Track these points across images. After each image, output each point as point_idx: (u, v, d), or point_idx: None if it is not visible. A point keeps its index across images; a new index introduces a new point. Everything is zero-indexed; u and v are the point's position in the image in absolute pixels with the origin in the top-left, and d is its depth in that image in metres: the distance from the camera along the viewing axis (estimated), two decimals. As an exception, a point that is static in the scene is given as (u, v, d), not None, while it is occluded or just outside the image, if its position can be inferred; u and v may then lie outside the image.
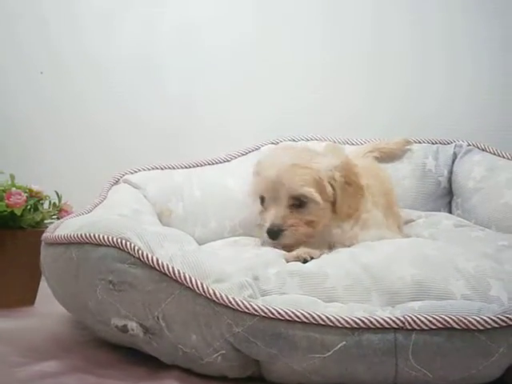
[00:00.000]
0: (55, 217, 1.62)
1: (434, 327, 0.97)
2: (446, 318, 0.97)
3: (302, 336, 0.98)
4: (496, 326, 0.97)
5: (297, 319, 0.99)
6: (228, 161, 1.77)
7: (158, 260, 1.07)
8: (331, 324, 0.98)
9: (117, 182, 1.58)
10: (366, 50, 2.04)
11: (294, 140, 1.83)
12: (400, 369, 0.98)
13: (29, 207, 1.58)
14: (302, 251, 1.27)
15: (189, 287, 1.04)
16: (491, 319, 0.97)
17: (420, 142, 1.84)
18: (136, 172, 1.63)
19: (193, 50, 2.07)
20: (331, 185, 1.35)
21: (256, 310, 1.00)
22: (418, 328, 0.97)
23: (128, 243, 1.10)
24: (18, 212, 1.53)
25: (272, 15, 2.06)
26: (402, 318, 0.98)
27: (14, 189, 1.56)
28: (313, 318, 0.98)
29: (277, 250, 1.32)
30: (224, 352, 1.03)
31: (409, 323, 0.97)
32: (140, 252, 1.08)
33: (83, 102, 2.08)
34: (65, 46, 2.07)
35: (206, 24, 2.06)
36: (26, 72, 2.07)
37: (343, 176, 1.36)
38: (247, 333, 1.00)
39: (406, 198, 1.75)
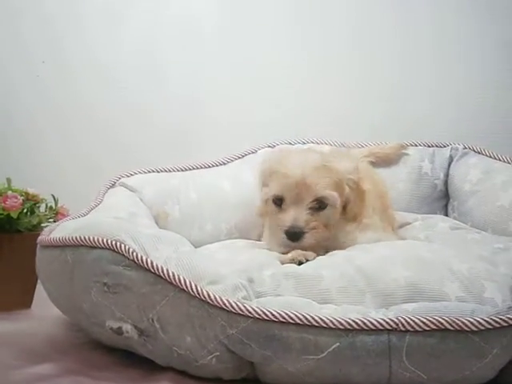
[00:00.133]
0: (52, 220, 1.62)
1: (427, 328, 0.97)
2: (440, 320, 0.97)
3: (296, 337, 0.99)
4: (490, 327, 0.97)
5: (290, 321, 0.99)
6: (224, 164, 1.78)
7: (152, 262, 1.07)
8: (325, 325, 0.98)
9: (113, 186, 1.59)
10: (358, 52, 2.04)
11: (290, 143, 1.83)
12: (394, 370, 0.98)
13: (25, 210, 1.58)
14: (297, 253, 1.27)
15: (183, 289, 1.04)
16: (485, 320, 0.97)
17: (416, 145, 1.84)
18: (132, 175, 1.63)
19: (193, 52, 2.07)
20: (349, 188, 1.35)
21: (250, 312, 1.00)
22: (411, 329, 0.97)
23: (123, 245, 1.10)
24: (14, 215, 1.53)
25: (268, 15, 2.06)
26: (395, 320, 0.98)
27: (10, 192, 1.56)
28: (306, 319, 0.99)
29: (272, 252, 1.32)
30: (218, 354, 1.03)
31: (402, 325, 0.98)
32: (134, 254, 1.08)
33: (83, 103, 2.08)
34: (68, 43, 2.08)
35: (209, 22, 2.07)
36: (26, 73, 2.07)
37: (357, 180, 1.37)
38: (241, 334, 1.00)
39: (401, 201, 1.75)
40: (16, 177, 1.64)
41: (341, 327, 0.98)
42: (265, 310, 1.00)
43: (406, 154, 1.83)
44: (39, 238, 1.26)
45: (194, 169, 1.74)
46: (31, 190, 1.61)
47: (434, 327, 0.97)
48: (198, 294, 1.03)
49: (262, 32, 2.06)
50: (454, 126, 1.98)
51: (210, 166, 1.76)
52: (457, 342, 0.97)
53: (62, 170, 2.05)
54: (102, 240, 1.11)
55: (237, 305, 1.01)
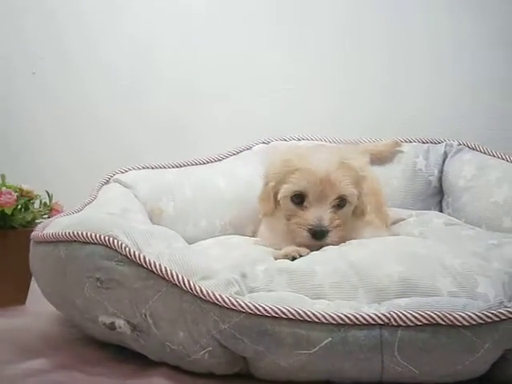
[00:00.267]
0: (46, 216, 1.62)
1: (419, 323, 0.97)
2: (432, 314, 0.98)
3: (288, 332, 0.99)
4: (481, 322, 0.97)
5: (283, 316, 0.99)
6: (219, 160, 1.78)
7: (145, 257, 1.07)
8: (317, 320, 0.98)
9: (107, 182, 1.59)
10: (351, 49, 2.04)
11: (285, 140, 1.84)
12: (386, 365, 0.99)
13: (19, 207, 1.58)
14: (290, 249, 1.27)
15: (176, 284, 1.04)
16: (476, 315, 0.97)
17: (410, 142, 1.84)
18: (127, 171, 1.63)
19: (189, 49, 2.08)
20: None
21: (242, 307, 1.00)
22: (403, 324, 0.97)
23: (115, 241, 1.10)
24: (8, 211, 1.53)
25: (265, 14, 2.06)
26: (387, 315, 0.98)
27: (4, 188, 1.56)
28: (299, 314, 0.99)
29: (265, 248, 1.32)
30: (211, 349, 1.03)
31: (394, 319, 0.98)
32: (127, 249, 1.08)
33: (80, 100, 2.08)
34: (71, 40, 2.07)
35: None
36: (22, 70, 2.07)
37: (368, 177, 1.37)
38: (234, 329, 1.00)
39: (396, 198, 1.76)
40: (10, 173, 1.63)
41: (333, 322, 0.98)
42: (257, 305, 1.00)
43: (401, 152, 1.83)
44: (32, 233, 1.26)
45: (188, 165, 1.74)
46: (25, 186, 1.61)
47: (426, 322, 0.97)
48: (191, 289, 1.03)
49: (259, 31, 2.06)
50: (448, 123, 1.98)
51: (204, 163, 1.76)
52: (448, 336, 0.97)
53: (56, 166, 2.05)
54: (95, 235, 1.11)
55: (229, 300, 1.01)
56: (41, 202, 1.64)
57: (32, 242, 1.26)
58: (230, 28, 2.07)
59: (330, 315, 0.98)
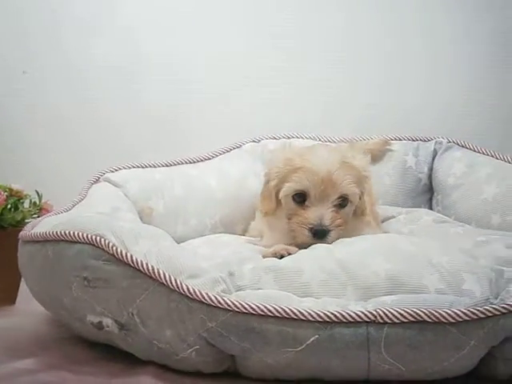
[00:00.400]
0: (36, 216, 1.61)
1: (405, 320, 0.98)
2: (418, 312, 0.98)
3: (275, 330, 0.99)
4: (467, 318, 0.98)
5: (269, 313, 0.99)
6: (209, 159, 1.78)
7: (132, 256, 1.07)
8: (303, 318, 0.98)
9: (97, 181, 1.58)
10: (344, 48, 2.04)
11: (275, 138, 1.84)
12: (373, 362, 0.99)
13: (9, 206, 1.58)
14: (279, 247, 1.27)
15: (162, 283, 1.04)
16: (462, 312, 0.98)
17: (400, 139, 1.85)
18: (117, 170, 1.62)
19: (178, 49, 2.07)
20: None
21: (229, 305, 1.00)
22: (389, 321, 0.98)
23: (102, 240, 1.10)
24: (-3, 211, 1.53)
25: (263, 13, 2.06)
26: (373, 312, 0.99)
27: (-7, 188, 1.56)
28: (285, 312, 0.99)
29: (254, 246, 1.32)
30: (198, 347, 1.03)
31: (380, 316, 0.98)
32: (114, 248, 1.08)
33: (71, 99, 2.07)
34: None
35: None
36: (14, 69, 2.06)
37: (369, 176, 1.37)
38: (220, 328, 1.01)
39: (386, 195, 1.76)
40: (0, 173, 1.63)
41: (319, 320, 0.98)
42: (244, 303, 1.00)
43: (391, 150, 1.83)
44: (21, 233, 1.26)
45: (178, 164, 1.73)
46: (15, 186, 1.60)
47: (412, 319, 0.98)
48: (178, 287, 1.03)
49: (256, 30, 2.06)
50: (440, 123, 1.99)
51: (195, 161, 1.76)
52: (435, 333, 0.98)
53: (48, 166, 2.04)
54: (83, 235, 1.11)
55: (216, 298, 1.01)
56: (30, 201, 1.64)
57: (20, 241, 1.26)
58: (227, 27, 2.06)
59: (316, 313, 0.99)
